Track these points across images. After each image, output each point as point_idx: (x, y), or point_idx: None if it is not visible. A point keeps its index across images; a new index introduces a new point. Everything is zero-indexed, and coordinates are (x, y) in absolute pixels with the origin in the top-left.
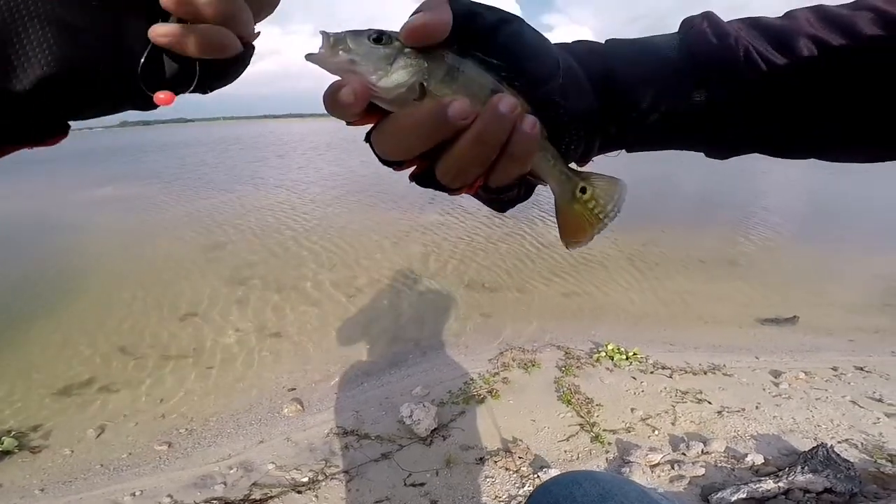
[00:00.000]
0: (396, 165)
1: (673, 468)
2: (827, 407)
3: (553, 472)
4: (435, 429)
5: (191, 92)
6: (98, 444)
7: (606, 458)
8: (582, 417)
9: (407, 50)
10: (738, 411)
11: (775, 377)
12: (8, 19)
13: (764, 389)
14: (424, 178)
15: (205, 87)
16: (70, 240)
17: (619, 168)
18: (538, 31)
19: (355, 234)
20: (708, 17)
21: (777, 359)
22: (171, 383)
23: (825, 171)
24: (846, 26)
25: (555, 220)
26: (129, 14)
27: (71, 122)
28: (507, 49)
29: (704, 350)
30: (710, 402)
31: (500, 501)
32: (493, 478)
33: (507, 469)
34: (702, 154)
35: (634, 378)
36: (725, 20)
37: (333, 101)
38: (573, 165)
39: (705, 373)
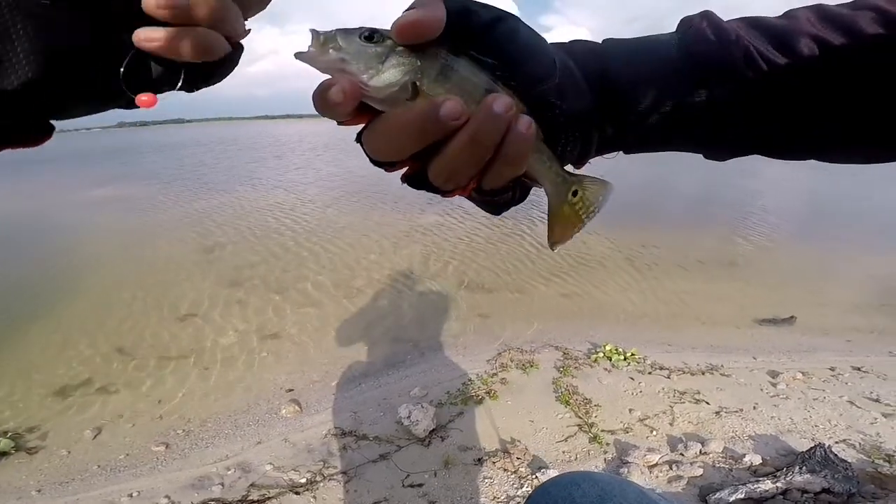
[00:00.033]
0: (388, 166)
1: (671, 469)
2: (824, 407)
3: (551, 473)
4: (433, 430)
5: (177, 90)
6: (95, 444)
7: (605, 459)
8: (580, 418)
9: (399, 48)
10: (736, 412)
11: (773, 377)
12: None
13: (762, 390)
14: (416, 180)
15: (191, 87)
16: (70, 240)
17: (618, 168)
18: (534, 30)
19: (355, 235)
20: (707, 16)
21: (774, 359)
22: (169, 384)
23: (822, 172)
24: (847, 25)
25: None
26: (114, 13)
27: (68, 123)
28: (501, 48)
29: (702, 350)
30: (707, 403)
31: (498, 502)
32: (491, 478)
33: (505, 470)
34: (700, 156)
35: (632, 378)
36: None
37: (322, 101)
38: (570, 167)
39: (703, 373)
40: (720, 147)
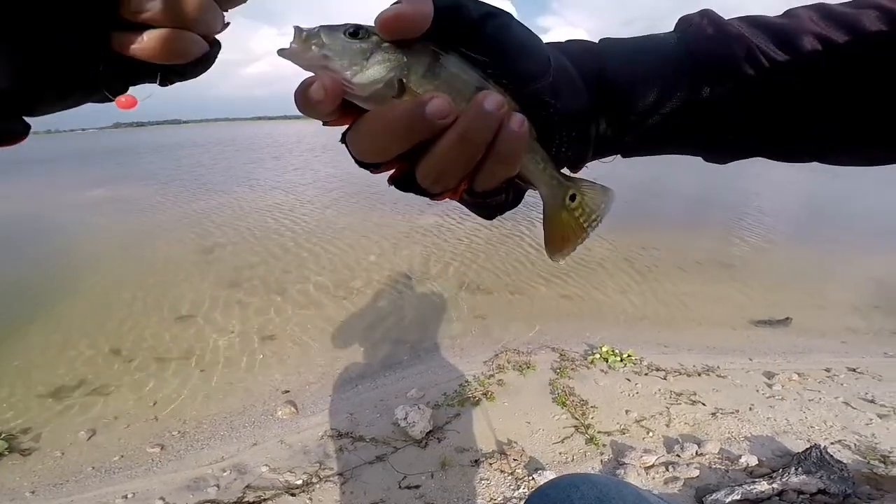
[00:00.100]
0: (373, 167)
1: (667, 470)
2: (820, 408)
3: (548, 474)
4: (430, 431)
5: (151, 83)
6: (90, 446)
7: (601, 460)
8: (576, 419)
9: (385, 44)
10: (732, 413)
11: (769, 379)
12: None
13: (757, 391)
14: (404, 182)
15: (164, 82)
16: (69, 240)
17: (617, 169)
18: (527, 27)
19: (354, 236)
20: (707, 14)
21: (770, 360)
22: (165, 385)
23: (818, 174)
24: (850, 23)
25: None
26: (93, 15)
27: (65, 124)
28: (493, 44)
29: (698, 352)
30: (704, 404)
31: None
32: (488, 480)
33: (501, 471)
34: (700, 158)
35: (629, 380)
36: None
37: (304, 99)
38: (566, 171)
39: (699, 374)
40: (720, 149)
